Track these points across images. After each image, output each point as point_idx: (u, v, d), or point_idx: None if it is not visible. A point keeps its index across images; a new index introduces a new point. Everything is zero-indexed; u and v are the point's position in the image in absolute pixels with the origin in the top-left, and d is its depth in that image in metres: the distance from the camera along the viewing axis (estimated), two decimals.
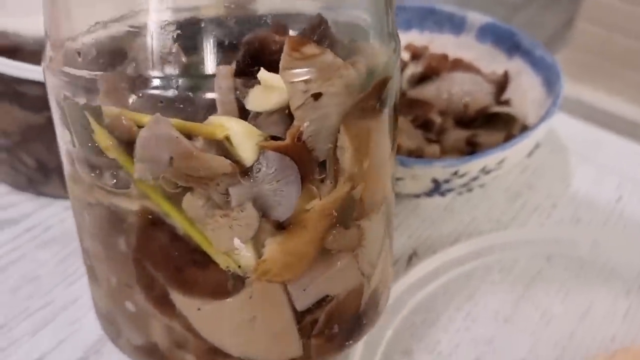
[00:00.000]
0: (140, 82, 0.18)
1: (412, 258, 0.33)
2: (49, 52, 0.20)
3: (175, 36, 0.18)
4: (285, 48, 0.17)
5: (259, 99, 0.18)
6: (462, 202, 0.37)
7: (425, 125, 0.37)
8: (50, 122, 0.22)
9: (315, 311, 0.22)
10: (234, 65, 0.18)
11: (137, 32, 0.18)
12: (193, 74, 0.18)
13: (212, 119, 0.18)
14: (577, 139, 0.42)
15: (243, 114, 0.18)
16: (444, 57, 0.40)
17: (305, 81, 0.18)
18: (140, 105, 0.18)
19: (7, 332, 0.30)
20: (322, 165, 0.19)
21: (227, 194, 0.18)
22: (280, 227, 0.19)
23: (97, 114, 0.18)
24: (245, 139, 0.18)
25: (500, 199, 0.37)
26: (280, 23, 0.19)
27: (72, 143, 0.20)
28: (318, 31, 0.18)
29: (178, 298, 0.20)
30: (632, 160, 0.40)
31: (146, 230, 0.20)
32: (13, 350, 0.29)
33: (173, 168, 0.18)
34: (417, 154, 0.34)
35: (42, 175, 0.36)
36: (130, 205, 0.19)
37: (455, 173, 0.30)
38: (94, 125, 0.18)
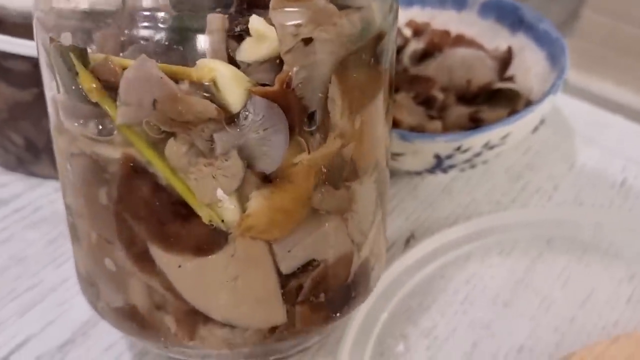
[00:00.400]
0: (129, 27, 0.18)
1: (409, 240, 0.33)
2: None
3: None
4: None
5: (249, 50, 0.17)
6: (462, 183, 0.36)
7: (427, 101, 0.36)
8: (38, 99, 0.22)
9: (301, 276, 0.21)
10: (226, 16, 0.17)
11: None
12: (184, 19, 0.18)
13: (200, 62, 0.17)
14: (581, 121, 0.40)
15: (233, 65, 0.17)
16: (446, 33, 0.39)
17: (296, 25, 0.17)
18: (130, 55, 0.17)
19: None
20: (312, 117, 0.19)
21: (211, 140, 0.18)
22: (267, 180, 0.19)
23: (83, 56, 0.17)
24: (232, 84, 0.17)
25: (500, 180, 0.36)
26: None
27: (57, 89, 0.19)
28: None
29: (158, 254, 0.20)
30: (637, 142, 0.39)
31: (128, 180, 0.19)
32: (0, 330, 0.28)
33: (157, 111, 0.17)
34: (418, 130, 0.33)
35: (31, 155, 0.35)
36: (113, 152, 0.19)
37: (458, 148, 0.29)
38: (78, 67, 0.17)
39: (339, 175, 0.20)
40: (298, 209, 0.20)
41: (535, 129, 0.33)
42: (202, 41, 0.17)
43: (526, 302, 0.29)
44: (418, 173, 0.33)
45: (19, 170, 0.36)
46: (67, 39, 0.18)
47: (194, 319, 0.21)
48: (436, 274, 0.30)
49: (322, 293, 0.22)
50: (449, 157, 0.30)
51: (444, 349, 0.27)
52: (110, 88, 0.18)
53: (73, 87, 0.18)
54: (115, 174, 0.19)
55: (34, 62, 0.24)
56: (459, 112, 0.34)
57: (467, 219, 0.33)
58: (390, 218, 0.34)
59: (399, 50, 0.38)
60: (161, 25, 0.18)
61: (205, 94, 0.17)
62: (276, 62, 0.17)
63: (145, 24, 0.18)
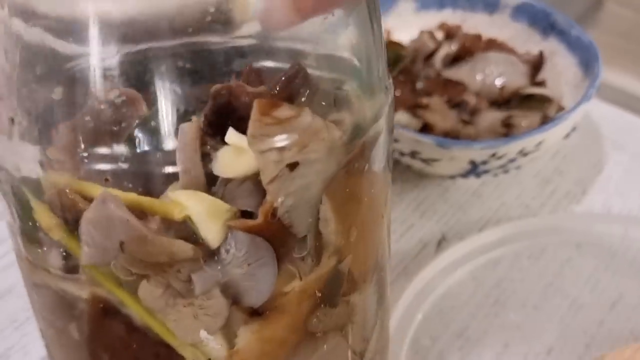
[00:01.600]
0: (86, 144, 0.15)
1: (441, 242, 0.33)
2: None
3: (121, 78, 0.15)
4: (254, 112, 0.15)
5: (227, 164, 0.15)
6: (491, 187, 0.36)
7: (459, 105, 0.36)
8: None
9: None
10: (199, 122, 0.15)
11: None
12: (148, 134, 0.15)
13: (171, 193, 0.15)
14: (610, 125, 0.41)
15: (210, 179, 0.15)
16: (478, 37, 0.39)
17: (279, 149, 0.15)
18: (88, 173, 0.15)
19: None
20: (303, 242, 0.17)
21: (189, 281, 0.16)
22: (255, 313, 0.17)
23: (37, 187, 0.16)
24: (209, 219, 0.15)
25: (529, 185, 0.37)
26: (253, 68, 0.16)
27: (11, 216, 0.17)
28: (295, 82, 0.16)
29: None
30: None
31: (99, 320, 0.17)
32: None
33: (125, 254, 0.15)
34: (452, 135, 0.34)
35: None
36: (80, 291, 0.17)
37: (494, 155, 0.30)
38: (33, 203, 0.16)
39: (336, 292, 0.19)
40: (292, 336, 0.18)
41: (567, 135, 0.33)
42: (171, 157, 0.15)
43: (555, 305, 0.30)
44: (451, 177, 0.33)
45: None
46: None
47: None
48: (467, 278, 0.31)
49: None
50: (484, 162, 0.30)
51: (476, 350, 0.28)
52: (72, 220, 0.15)
53: (29, 222, 0.16)
54: (84, 312, 0.17)
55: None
56: (492, 117, 0.35)
57: (497, 223, 0.34)
58: (421, 221, 0.35)
59: (432, 54, 0.39)
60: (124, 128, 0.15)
61: (178, 228, 0.15)
62: (259, 180, 0.15)
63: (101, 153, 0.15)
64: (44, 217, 0.16)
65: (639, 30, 1.18)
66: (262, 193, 0.15)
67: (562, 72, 0.37)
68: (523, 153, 0.31)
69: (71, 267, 0.17)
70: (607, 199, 0.36)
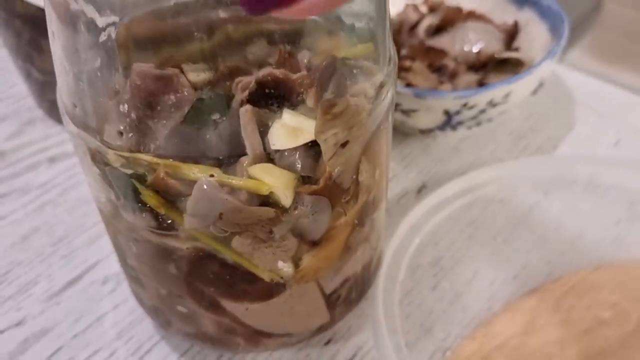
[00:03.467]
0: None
1: (421, 190, 0.37)
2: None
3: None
4: (319, 112, 0.19)
5: (286, 141, 0.19)
6: (469, 143, 0.40)
7: (439, 70, 0.40)
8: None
9: (339, 290, 0.26)
10: (247, 102, 0.19)
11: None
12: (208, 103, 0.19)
13: (251, 171, 0.19)
14: (582, 90, 0.44)
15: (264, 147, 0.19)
16: (459, 9, 0.43)
17: (335, 135, 0.19)
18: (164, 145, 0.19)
19: (67, 243, 0.34)
20: (347, 190, 0.21)
21: (270, 231, 0.20)
22: (314, 243, 0.22)
23: (144, 179, 0.19)
24: (286, 189, 0.19)
25: (504, 141, 0.40)
26: (289, 52, 0.19)
27: (116, 198, 0.21)
28: (329, 70, 0.19)
29: (228, 303, 0.24)
30: (630, 108, 0.43)
31: (197, 261, 0.22)
32: (73, 257, 0.34)
33: (223, 220, 0.19)
34: None
35: None
36: (180, 244, 0.21)
37: (465, 104, 0.33)
38: (142, 190, 0.19)
39: (367, 217, 0.24)
40: (338, 252, 0.24)
41: (535, 92, 0.37)
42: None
43: (522, 239, 0.34)
44: (430, 131, 0.37)
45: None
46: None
47: (259, 336, 0.26)
48: (444, 219, 0.34)
49: (353, 292, 0.27)
50: (457, 113, 0.34)
51: (448, 276, 0.32)
52: (172, 196, 0.19)
53: (136, 203, 0.20)
54: (183, 256, 0.22)
55: None
56: (468, 78, 0.39)
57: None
58: (404, 172, 0.38)
59: (416, 24, 0.42)
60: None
61: (259, 195, 0.19)
62: (308, 146, 0.19)
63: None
64: (152, 200, 0.20)
65: (639, 28, 1.20)
66: (313, 159, 0.19)
67: (534, 39, 0.40)
68: (492, 104, 0.34)
69: (168, 227, 0.21)
70: (576, 153, 0.39)
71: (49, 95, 0.40)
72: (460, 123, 0.35)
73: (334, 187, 0.20)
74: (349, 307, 0.28)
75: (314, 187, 0.20)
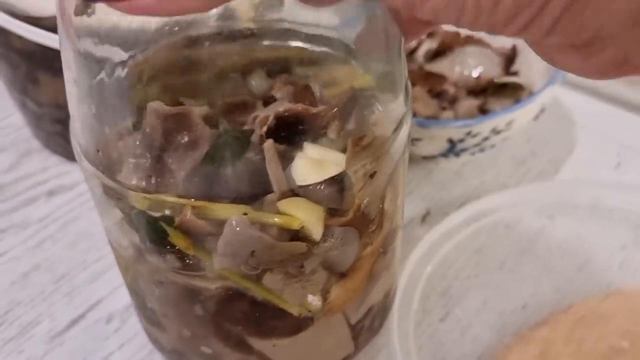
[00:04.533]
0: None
1: (425, 217, 0.37)
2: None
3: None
4: (350, 145, 0.19)
5: (309, 175, 0.19)
6: (471, 168, 0.40)
7: (440, 95, 0.40)
8: None
9: (363, 320, 0.26)
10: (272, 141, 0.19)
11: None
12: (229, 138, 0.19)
13: (281, 206, 0.19)
14: (580, 111, 0.44)
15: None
16: (457, 34, 0.43)
17: (364, 166, 0.20)
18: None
19: (68, 280, 0.34)
20: (373, 220, 0.22)
21: (301, 266, 0.20)
22: (342, 275, 0.22)
23: (170, 221, 0.19)
24: (316, 223, 0.19)
25: (506, 165, 0.40)
26: (306, 85, 0.20)
27: (141, 241, 0.21)
28: (352, 103, 0.20)
29: (255, 341, 0.23)
30: (630, 129, 0.43)
31: (225, 301, 0.21)
32: (75, 294, 0.33)
33: (254, 258, 0.19)
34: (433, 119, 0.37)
35: None
36: (209, 285, 0.21)
37: (469, 133, 0.34)
38: (170, 232, 0.19)
39: (390, 244, 0.24)
40: (364, 282, 0.24)
41: (537, 117, 0.37)
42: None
43: (530, 267, 0.34)
44: (433, 157, 0.37)
45: None
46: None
47: None
48: (451, 248, 0.34)
49: (376, 321, 0.27)
50: (461, 141, 0.34)
51: (458, 306, 0.32)
52: (200, 236, 0.19)
53: (163, 245, 0.20)
54: (211, 297, 0.21)
55: None
56: (469, 103, 0.39)
57: (476, 199, 0.37)
58: (408, 199, 0.38)
59: (414, 49, 0.43)
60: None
61: (289, 230, 0.19)
62: (334, 180, 0.19)
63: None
64: (180, 241, 0.19)
65: None
66: (339, 191, 0.19)
67: (533, 64, 0.40)
68: (496, 131, 0.34)
69: (196, 268, 0.20)
70: (578, 176, 0.40)
71: (45, 127, 0.40)
72: (463, 150, 0.35)
73: (362, 217, 0.21)
74: (371, 336, 0.28)
75: (344, 218, 0.20)
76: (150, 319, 0.25)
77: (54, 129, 0.39)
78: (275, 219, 0.19)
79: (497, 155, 0.41)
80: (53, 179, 0.40)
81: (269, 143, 0.18)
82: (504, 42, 0.43)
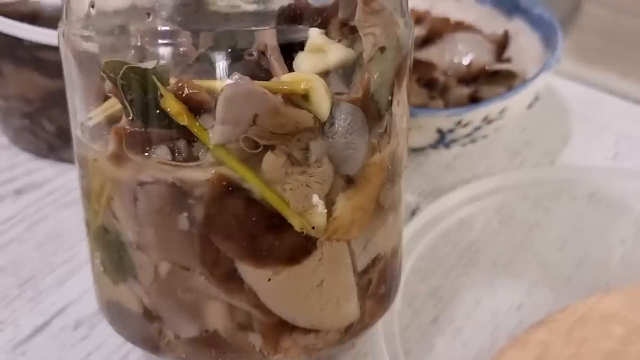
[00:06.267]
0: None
1: (415, 212, 0.35)
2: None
3: None
4: (359, 4, 0.19)
5: (311, 63, 0.18)
6: (463, 159, 0.38)
7: (429, 84, 0.38)
8: None
9: (370, 271, 0.23)
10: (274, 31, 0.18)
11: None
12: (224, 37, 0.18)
13: (292, 75, 0.18)
14: (576, 100, 0.43)
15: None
16: (446, 20, 0.41)
17: (374, 34, 0.19)
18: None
19: (34, 284, 0.32)
20: (382, 117, 0.20)
21: (307, 149, 0.18)
22: (349, 181, 0.20)
23: (165, 79, 0.18)
24: (324, 94, 0.18)
25: (499, 157, 0.38)
26: None
27: (127, 115, 0.19)
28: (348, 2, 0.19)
29: (247, 271, 0.20)
30: (627, 118, 0.41)
31: (219, 200, 0.19)
32: (41, 299, 0.31)
33: (257, 126, 0.17)
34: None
35: (62, 141, 0.37)
36: (202, 174, 0.18)
37: (459, 122, 0.32)
38: (163, 90, 0.17)
39: (397, 170, 0.22)
40: (372, 206, 0.21)
41: (531, 106, 0.35)
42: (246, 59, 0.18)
43: (524, 264, 0.32)
44: (422, 149, 0.35)
45: (49, 157, 0.38)
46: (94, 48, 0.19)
47: (280, 331, 0.21)
48: (440, 241, 0.32)
49: (383, 285, 0.24)
50: (451, 131, 0.32)
51: (449, 307, 0.30)
52: (194, 109, 0.18)
53: (151, 113, 0.18)
54: (202, 197, 0.19)
55: None
56: (460, 92, 0.37)
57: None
58: None
59: None
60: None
61: (295, 105, 0.18)
62: (339, 73, 0.19)
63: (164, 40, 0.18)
64: (173, 104, 0.17)
65: (619, 29, 1.21)
66: (346, 81, 0.19)
67: (526, 49, 0.39)
68: (488, 120, 0.32)
69: (184, 157, 0.18)
70: (575, 165, 0.38)
71: (12, 122, 0.38)
72: (454, 141, 0.34)
73: (371, 102, 0.19)
74: (378, 308, 0.24)
75: (353, 95, 0.19)
76: (120, 268, 0.22)
77: (21, 124, 0.37)
78: (280, 84, 0.17)
79: (490, 146, 0.39)
80: (21, 177, 0.38)
81: (270, 29, 0.18)
82: (495, 27, 0.41)
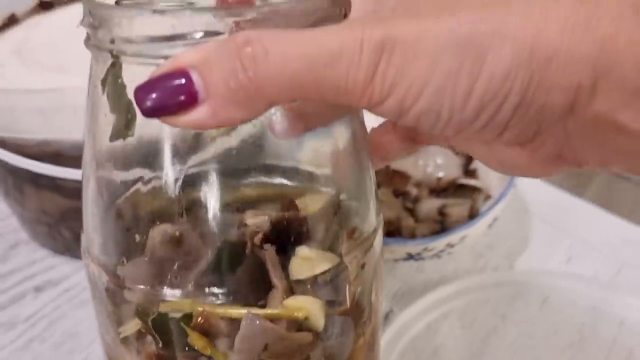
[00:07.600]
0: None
1: (388, 315, 0.40)
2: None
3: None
4: (346, 237, 0.22)
5: (305, 270, 0.22)
6: (432, 263, 0.43)
7: (403, 194, 0.43)
8: None
9: None
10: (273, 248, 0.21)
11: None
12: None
13: (286, 303, 0.21)
14: (537, 201, 0.48)
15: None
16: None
17: (356, 257, 0.23)
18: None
19: None
20: (364, 312, 0.24)
21: (307, 357, 0.22)
22: None
23: (189, 318, 0.21)
24: (318, 314, 0.22)
25: (465, 259, 0.43)
26: (290, 200, 0.23)
27: (157, 344, 0.22)
28: (330, 210, 0.23)
29: None
30: (581, 220, 0.46)
31: None
32: None
33: (267, 351, 0.21)
34: (395, 224, 0.40)
35: (78, 244, 0.42)
36: None
37: (425, 248, 0.37)
38: (190, 331, 0.21)
39: (376, 339, 0.27)
40: None
41: (491, 226, 0.40)
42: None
43: None
44: (395, 260, 0.40)
45: (66, 254, 0.43)
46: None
47: None
48: (409, 347, 0.37)
49: None
50: (419, 254, 0.37)
51: None
52: (215, 337, 0.21)
53: (182, 348, 0.21)
54: None
55: None
56: (430, 205, 0.42)
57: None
58: None
59: None
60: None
61: (294, 321, 0.21)
62: (327, 280, 0.22)
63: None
64: (198, 341, 0.21)
65: None
66: (333, 286, 0.22)
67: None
68: (450, 245, 0.37)
69: None
70: (532, 270, 0.42)
71: (32, 227, 0.42)
72: (421, 259, 0.38)
73: (356, 307, 0.23)
74: None
75: (342, 308, 0.23)
76: None
77: (41, 230, 0.42)
78: (283, 312, 0.21)
79: (455, 249, 0.44)
80: (40, 274, 0.42)
81: (267, 251, 0.21)
82: None
